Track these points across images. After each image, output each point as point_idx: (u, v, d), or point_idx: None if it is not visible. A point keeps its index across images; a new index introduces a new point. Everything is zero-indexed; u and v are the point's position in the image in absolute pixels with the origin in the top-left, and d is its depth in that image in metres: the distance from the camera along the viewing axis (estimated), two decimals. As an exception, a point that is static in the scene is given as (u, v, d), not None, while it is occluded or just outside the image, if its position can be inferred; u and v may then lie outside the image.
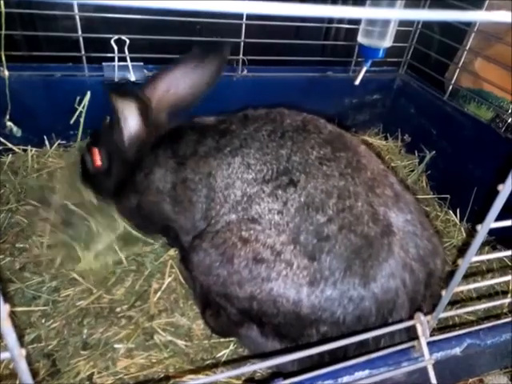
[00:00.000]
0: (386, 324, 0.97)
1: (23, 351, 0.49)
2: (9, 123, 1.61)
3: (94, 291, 1.30)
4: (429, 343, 0.82)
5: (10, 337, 0.46)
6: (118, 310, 1.28)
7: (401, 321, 0.82)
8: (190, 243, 1.17)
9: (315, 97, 2.04)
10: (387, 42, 1.83)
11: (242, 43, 1.78)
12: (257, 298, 0.99)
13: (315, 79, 2.01)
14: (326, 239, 0.97)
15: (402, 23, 1.87)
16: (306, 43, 1.93)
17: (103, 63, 1.67)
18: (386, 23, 1.79)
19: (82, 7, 1.54)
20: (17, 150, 1.70)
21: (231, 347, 1.22)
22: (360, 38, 1.86)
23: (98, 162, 1.36)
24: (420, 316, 0.81)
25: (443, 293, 0.77)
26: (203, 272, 1.07)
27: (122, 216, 1.45)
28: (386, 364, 0.80)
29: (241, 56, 1.81)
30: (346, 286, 0.94)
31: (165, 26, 1.86)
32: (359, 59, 1.97)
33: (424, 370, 0.80)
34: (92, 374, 1.12)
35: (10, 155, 1.68)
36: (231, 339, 1.24)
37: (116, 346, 1.18)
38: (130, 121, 1.25)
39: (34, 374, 1.08)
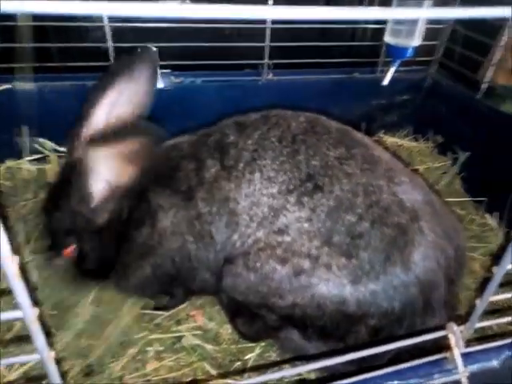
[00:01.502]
0: (428, 304, 0.99)
1: (52, 353, 0.50)
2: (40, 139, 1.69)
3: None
4: (464, 354, 0.79)
5: (39, 339, 0.47)
6: (148, 314, 1.30)
7: (433, 331, 0.79)
8: (208, 279, 1.12)
9: (342, 99, 2.01)
10: (416, 41, 1.78)
11: (268, 47, 1.78)
12: (299, 305, 1.00)
13: (341, 81, 1.98)
14: (360, 236, 0.97)
15: (432, 20, 1.82)
16: (332, 45, 1.91)
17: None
18: (414, 21, 1.74)
19: (111, 18, 1.59)
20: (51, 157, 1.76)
21: (257, 351, 1.21)
22: (387, 38, 1.83)
23: (71, 252, 1.08)
24: (453, 326, 0.78)
25: (477, 302, 0.73)
26: (240, 293, 1.06)
27: (131, 293, 1.25)
28: (417, 375, 0.77)
29: (266, 60, 1.81)
30: (388, 276, 0.96)
31: (192, 33, 1.89)
32: (387, 59, 1.93)
33: None
34: (123, 374, 1.14)
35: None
36: (258, 344, 1.24)
37: (146, 348, 1.20)
38: (104, 173, 0.98)
39: (67, 372, 1.12)
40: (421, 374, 0.78)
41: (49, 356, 0.50)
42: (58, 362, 1.11)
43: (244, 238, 1.04)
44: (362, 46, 2.09)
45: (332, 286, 0.95)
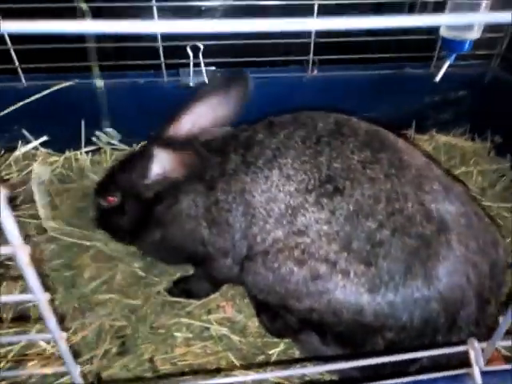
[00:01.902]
0: (453, 323, 0.94)
1: (64, 334, 0.56)
2: (108, 129, 1.82)
3: (160, 284, 1.41)
4: (486, 373, 0.75)
5: (51, 321, 0.53)
6: (180, 301, 1.37)
7: (453, 345, 0.75)
8: (229, 266, 1.17)
9: (391, 95, 1.94)
10: (475, 34, 1.65)
11: (313, 43, 1.76)
12: (316, 310, 1.00)
13: (391, 77, 1.90)
14: (380, 244, 0.95)
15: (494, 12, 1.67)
16: (382, 39, 1.84)
17: (180, 69, 1.78)
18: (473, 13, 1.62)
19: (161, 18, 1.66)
20: (119, 148, 1.90)
21: (281, 347, 1.23)
22: (443, 31, 1.72)
23: (112, 200, 1.28)
24: (474, 341, 0.74)
25: (501, 319, 0.69)
26: (260, 291, 1.09)
27: (145, 252, 1.42)
28: (431, 389, 0.74)
29: (311, 56, 1.79)
30: (408, 288, 0.92)
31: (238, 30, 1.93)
32: (442, 53, 1.82)
33: (476, 402, 0.73)
34: (153, 356, 1.22)
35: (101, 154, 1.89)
36: (283, 340, 1.25)
37: (176, 334, 1.27)
38: (159, 165, 1.19)
39: (106, 352, 1.22)
40: (436, 389, 0.75)
41: (60, 336, 0.56)
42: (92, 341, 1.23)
43: (264, 235, 1.06)
44: (415, 39, 1.98)
45: (349, 293, 0.94)
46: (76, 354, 1.18)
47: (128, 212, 1.27)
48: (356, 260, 0.94)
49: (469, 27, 1.64)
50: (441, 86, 1.88)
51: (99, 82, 1.76)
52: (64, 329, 1.18)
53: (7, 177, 1.70)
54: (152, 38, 1.72)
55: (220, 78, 1.28)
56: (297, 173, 1.06)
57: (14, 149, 1.80)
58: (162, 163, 1.18)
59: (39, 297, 0.51)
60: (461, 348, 0.74)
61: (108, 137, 1.87)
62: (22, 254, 0.47)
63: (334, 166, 1.03)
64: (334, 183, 1.01)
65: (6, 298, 0.49)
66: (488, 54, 1.88)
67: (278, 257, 1.01)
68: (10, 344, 1.05)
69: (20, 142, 1.82)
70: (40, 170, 1.66)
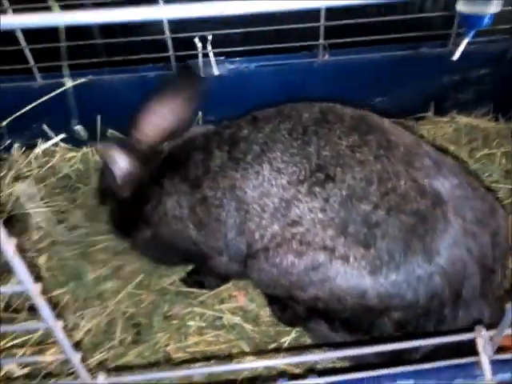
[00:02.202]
0: (458, 296, 0.94)
1: (60, 323, 0.58)
2: (76, 127, 1.83)
3: (173, 275, 1.43)
4: (496, 362, 0.72)
5: (45, 310, 0.55)
6: (193, 291, 1.38)
7: (460, 332, 0.72)
8: (226, 264, 1.18)
9: (407, 77, 1.87)
10: (494, 7, 1.56)
11: (322, 26, 1.71)
12: (321, 298, 1.00)
13: (407, 58, 1.83)
14: (377, 225, 0.95)
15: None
16: (395, 19, 1.76)
17: (189, 61, 1.78)
18: (491, -15, 1.53)
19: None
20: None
21: (293, 335, 1.23)
22: (459, 6, 1.63)
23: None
24: (481, 329, 0.71)
25: (508, 306, 0.66)
26: (266, 286, 1.11)
27: (137, 251, 1.41)
28: (437, 377, 0.72)
29: (321, 40, 1.75)
30: (409, 266, 0.92)
31: (246, 18, 1.90)
32: (460, 30, 1.73)
33: (484, 391, 0.70)
34: (167, 344, 1.25)
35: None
36: (295, 328, 1.25)
37: (189, 322, 1.29)
38: (120, 164, 1.21)
39: (121, 340, 1.25)
40: (442, 376, 0.73)
41: (56, 325, 0.58)
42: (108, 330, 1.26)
43: (262, 231, 1.05)
44: (430, 17, 1.90)
45: (350, 278, 0.94)
46: (91, 343, 1.22)
47: (116, 213, 1.36)
48: (354, 243, 0.94)
49: (487, 1, 1.55)
50: (460, 65, 1.79)
51: (110, 78, 1.79)
52: (76, 319, 1.23)
53: (28, 173, 1.76)
54: (160, 30, 1.72)
55: (168, 77, 1.35)
56: (287, 165, 1.05)
57: (34, 146, 1.86)
58: (120, 163, 1.21)
59: (29, 287, 0.52)
60: (468, 336, 0.72)
61: (76, 135, 1.87)
62: (7, 247, 0.48)
63: (323, 154, 1.03)
64: (325, 171, 1.01)
65: (-3, 289, 0.50)
66: (510, 29, 1.78)
67: (279, 251, 1.02)
68: (28, 333, 1.10)
69: (40, 139, 1.88)
70: (23, 189, 1.68)
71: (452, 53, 1.72)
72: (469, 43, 1.67)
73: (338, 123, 1.07)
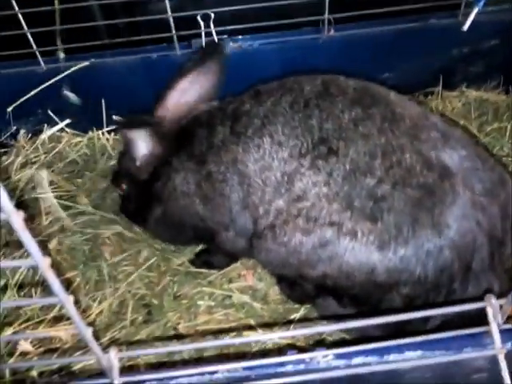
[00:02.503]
0: (468, 269, 0.93)
1: (71, 298, 0.58)
2: (65, 92, 1.79)
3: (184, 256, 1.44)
4: (505, 331, 0.71)
5: (55, 284, 0.55)
6: (202, 272, 1.39)
7: (469, 301, 0.72)
8: (232, 239, 1.18)
9: (415, 51, 1.82)
10: (506, -26, 1.51)
11: (327, 1, 1.67)
12: (329, 275, 1.01)
13: (415, 30, 1.77)
14: (383, 199, 0.94)
15: None
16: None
17: (192, 40, 1.75)
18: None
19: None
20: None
21: (302, 311, 1.24)
22: (469, -26, 1.58)
23: (123, 188, 1.39)
24: (491, 298, 0.70)
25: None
26: (275, 266, 1.13)
27: (152, 234, 1.44)
28: (446, 347, 0.72)
29: (326, 15, 1.70)
30: (418, 240, 0.91)
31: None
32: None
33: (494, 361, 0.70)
34: (178, 323, 1.26)
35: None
36: (304, 305, 1.26)
37: (199, 302, 1.31)
38: (142, 146, 1.24)
39: (132, 320, 1.27)
40: (451, 347, 0.73)
41: (67, 299, 0.58)
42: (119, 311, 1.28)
43: (266, 206, 1.05)
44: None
45: (358, 254, 0.93)
46: (103, 324, 1.24)
47: (132, 196, 1.36)
48: (361, 217, 0.93)
49: (499, -33, 1.50)
50: (470, 37, 1.75)
51: (113, 60, 1.77)
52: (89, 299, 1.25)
53: (35, 159, 1.77)
54: (162, 10, 1.69)
55: (196, 56, 1.34)
56: (288, 138, 1.04)
57: (40, 132, 1.86)
58: (142, 143, 1.23)
59: (38, 261, 0.52)
60: (478, 305, 0.71)
61: (69, 101, 1.84)
62: (15, 218, 0.49)
63: (325, 127, 1.02)
64: (328, 144, 1.00)
65: (5, 264, 0.51)
66: (523, -4, 1.72)
67: (285, 230, 1.01)
68: (42, 313, 1.13)
69: (46, 125, 1.88)
70: (37, 177, 1.67)
71: (461, 24, 1.68)
72: (479, 13, 1.62)
73: (340, 96, 1.06)
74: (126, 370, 1.02)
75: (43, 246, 1.45)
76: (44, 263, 0.53)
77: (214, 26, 1.69)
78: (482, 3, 1.59)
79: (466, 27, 1.62)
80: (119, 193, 1.43)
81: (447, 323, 0.92)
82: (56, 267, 1.35)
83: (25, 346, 1.06)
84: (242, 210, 1.11)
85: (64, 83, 1.78)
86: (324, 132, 1.01)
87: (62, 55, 1.75)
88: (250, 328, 1.22)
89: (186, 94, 1.28)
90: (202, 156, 1.17)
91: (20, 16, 1.59)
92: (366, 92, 1.08)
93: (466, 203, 0.92)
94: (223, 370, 0.71)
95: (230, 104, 1.20)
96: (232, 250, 1.26)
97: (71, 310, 0.60)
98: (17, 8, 1.56)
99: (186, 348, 1.01)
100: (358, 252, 0.93)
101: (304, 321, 1.23)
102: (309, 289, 1.12)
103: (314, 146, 1.01)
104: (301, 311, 1.25)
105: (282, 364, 0.70)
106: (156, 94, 1.33)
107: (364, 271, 0.94)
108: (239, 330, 1.22)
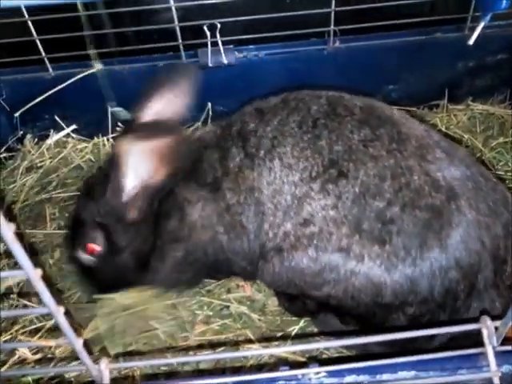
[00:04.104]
0: (472, 288, 0.93)
1: (61, 308, 0.59)
2: (115, 109, 1.81)
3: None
4: (501, 353, 0.70)
5: (45, 295, 0.55)
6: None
7: (465, 322, 0.71)
8: (243, 266, 1.14)
9: (421, 64, 1.82)
10: (512, -11, 1.50)
11: (333, 12, 1.67)
12: (334, 296, 1.00)
13: (421, 43, 1.77)
14: (391, 222, 0.93)
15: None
16: (409, 3, 1.71)
17: (198, 50, 1.77)
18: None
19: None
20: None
21: (300, 324, 1.23)
22: (476, -12, 1.58)
23: (97, 248, 1.05)
24: (486, 320, 0.69)
25: (514, 297, 0.64)
26: (280, 287, 1.12)
27: (164, 284, 1.18)
28: (441, 368, 0.71)
29: (332, 27, 1.71)
30: (426, 261, 0.91)
31: (254, 5, 1.88)
32: (476, 14, 1.67)
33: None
34: (174, 332, 1.26)
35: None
36: (302, 318, 1.25)
37: (196, 312, 1.30)
38: (138, 171, 0.98)
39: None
40: (446, 367, 0.72)
41: (57, 310, 0.58)
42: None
43: (275, 229, 1.04)
44: (445, 0, 1.84)
45: (365, 277, 0.93)
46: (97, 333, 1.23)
47: (124, 245, 1.06)
48: (369, 240, 0.93)
49: (505, -18, 1.49)
50: (476, 50, 1.74)
51: (121, 67, 1.79)
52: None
53: (40, 164, 1.79)
54: (169, 20, 1.71)
55: (167, 72, 1.19)
56: (298, 161, 1.02)
57: (46, 137, 1.88)
58: (135, 167, 0.96)
59: (29, 272, 0.53)
60: (473, 326, 0.70)
61: (117, 117, 1.85)
62: (6, 231, 0.49)
63: (335, 149, 1.00)
64: (338, 167, 0.98)
65: (-3, 274, 0.51)
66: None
67: (293, 255, 1.00)
68: (40, 321, 1.13)
69: (52, 130, 1.90)
70: None
71: (468, 37, 1.67)
72: (485, 27, 1.62)
73: (348, 116, 1.04)
74: (122, 380, 1.02)
75: (45, 251, 1.46)
76: (35, 274, 0.54)
77: (220, 36, 1.71)
78: (488, 17, 1.59)
79: (471, 41, 1.61)
80: (82, 255, 1.07)
81: (454, 340, 0.92)
82: (57, 275, 1.36)
83: (23, 352, 1.07)
84: (255, 238, 1.08)
85: (109, 100, 1.79)
86: (334, 154, 0.99)
87: (99, 66, 1.75)
88: (247, 340, 1.21)
89: (163, 108, 1.10)
90: (217, 183, 1.08)
91: (30, 23, 1.62)
92: (372, 111, 1.07)
93: (472, 224, 0.92)
94: (215, 383, 0.71)
95: (231, 127, 1.13)
96: (237, 272, 1.24)
97: (61, 320, 0.60)
98: (27, 15, 1.59)
99: (179, 361, 1.00)
100: (365, 275, 0.93)
101: (302, 335, 1.22)
102: (310, 305, 1.11)
103: (324, 168, 0.99)
104: (299, 324, 1.23)
105: (273, 380, 0.70)
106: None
107: (370, 293, 0.94)
108: (236, 341, 1.21)
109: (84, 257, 1.06)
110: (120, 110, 1.84)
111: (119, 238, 1.06)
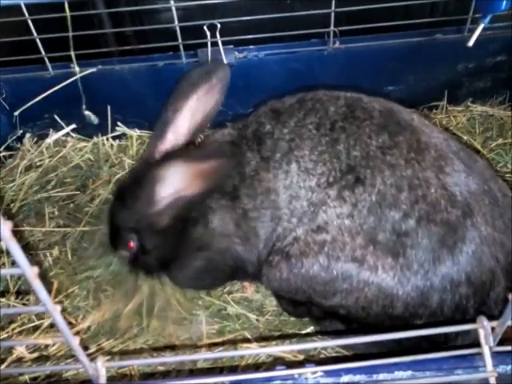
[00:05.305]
0: (483, 303, 0.93)
1: (58, 307, 0.59)
2: (86, 112, 1.81)
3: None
4: (498, 354, 0.70)
5: (42, 293, 0.55)
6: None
7: (462, 323, 0.71)
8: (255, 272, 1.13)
9: (421, 65, 1.83)
10: (512, -9, 1.50)
11: (333, 13, 1.67)
12: (344, 306, 0.99)
13: (421, 45, 1.78)
14: (406, 234, 0.92)
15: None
16: (409, 4, 1.71)
17: (198, 50, 1.77)
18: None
19: (177, -2, 1.65)
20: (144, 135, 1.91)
21: (299, 325, 1.23)
22: (476, -10, 1.58)
23: (131, 245, 1.13)
24: (483, 320, 0.69)
25: (510, 296, 0.64)
26: (287, 293, 1.09)
27: (185, 284, 1.26)
28: (437, 368, 0.71)
29: (331, 28, 1.71)
30: (439, 276, 0.90)
31: (255, 5, 1.88)
32: (476, 15, 1.67)
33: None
34: (171, 334, 1.25)
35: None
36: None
37: (194, 312, 1.30)
38: (173, 183, 1.01)
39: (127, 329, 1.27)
40: (442, 367, 0.72)
41: (54, 308, 0.58)
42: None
43: (286, 233, 1.02)
44: (445, 2, 1.84)
45: (377, 289, 0.92)
46: (96, 332, 1.24)
47: (151, 249, 1.12)
48: (383, 252, 0.91)
49: (505, -16, 1.49)
50: (476, 52, 1.74)
51: (120, 67, 1.79)
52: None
53: (39, 163, 1.79)
54: (169, 19, 1.72)
55: (200, 70, 1.17)
56: (316, 165, 0.99)
57: (46, 136, 1.88)
58: (172, 182, 1.00)
59: (25, 270, 0.53)
60: (470, 326, 0.70)
61: (87, 120, 1.86)
62: (2, 229, 0.49)
63: (353, 154, 0.97)
64: (355, 173, 0.96)
65: (-7, 272, 0.51)
66: (530, 13, 1.71)
67: (303, 261, 0.98)
68: (38, 319, 1.13)
69: (51, 129, 1.90)
70: None
71: (467, 39, 1.67)
72: (485, 29, 1.62)
73: (367, 120, 1.01)
74: (118, 378, 1.01)
75: (44, 249, 1.46)
76: (31, 272, 0.54)
77: (220, 36, 1.71)
78: (487, 19, 1.59)
79: (471, 43, 1.61)
80: (125, 254, 1.17)
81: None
82: (55, 273, 1.36)
83: (20, 351, 1.06)
84: (263, 248, 1.08)
85: (83, 103, 1.80)
86: (352, 159, 0.97)
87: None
88: (245, 340, 1.21)
89: (196, 113, 1.13)
90: (235, 191, 1.07)
91: (30, 22, 1.62)
92: (392, 116, 1.04)
93: (486, 240, 0.91)
94: (211, 383, 0.71)
95: (247, 128, 1.12)
96: (243, 278, 1.24)
97: (58, 319, 0.60)
98: (27, 14, 1.60)
99: (176, 360, 1.00)
100: (378, 286, 0.92)
101: (300, 335, 1.21)
102: (316, 311, 1.09)
103: (341, 174, 0.97)
104: (298, 324, 1.23)
105: (269, 379, 0.70)
106: (155, 122, 1.16)
107: (381, 304, 0.93)
108: (234, 341, 1.21)
109: (127, 253, 1.16)
110: (89, 115, 1.83)
111: (147, 242, 1.12)
